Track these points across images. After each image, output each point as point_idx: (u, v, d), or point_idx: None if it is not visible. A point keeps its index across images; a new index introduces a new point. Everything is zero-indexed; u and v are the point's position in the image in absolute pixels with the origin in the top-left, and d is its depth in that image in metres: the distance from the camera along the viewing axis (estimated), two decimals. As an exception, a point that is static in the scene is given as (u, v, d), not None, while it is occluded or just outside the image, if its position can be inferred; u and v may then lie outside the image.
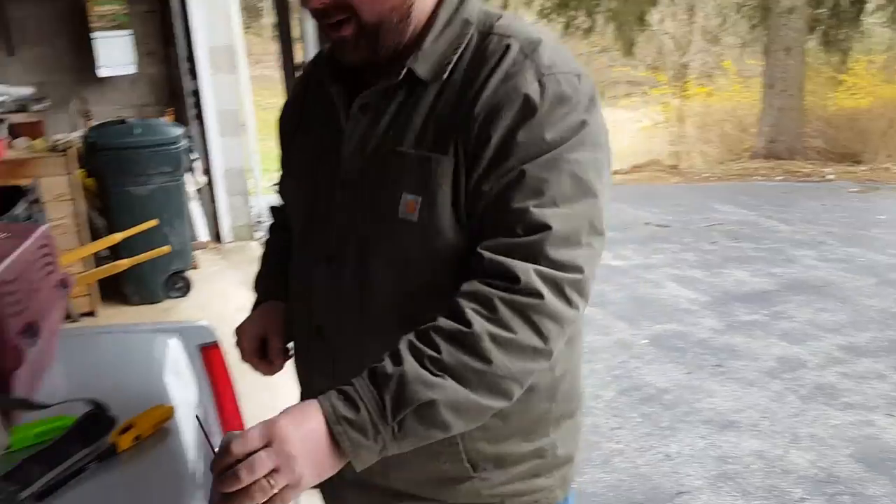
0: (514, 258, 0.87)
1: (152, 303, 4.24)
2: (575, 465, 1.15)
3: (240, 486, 0.78)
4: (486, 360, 0.85)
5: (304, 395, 1.17)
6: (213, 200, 5.38)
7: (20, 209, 2.80)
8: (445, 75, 0.95)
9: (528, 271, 0.86)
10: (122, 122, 4.04)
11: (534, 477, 1.08)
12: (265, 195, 6.41)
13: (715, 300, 4.71)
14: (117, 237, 3.67)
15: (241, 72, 5.51)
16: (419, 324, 0.89)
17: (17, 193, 2.99)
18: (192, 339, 1.72)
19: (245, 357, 1.22)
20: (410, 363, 0.84)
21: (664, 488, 2.77)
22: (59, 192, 3.79)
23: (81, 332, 1.64)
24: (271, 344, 1.20)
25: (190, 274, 4.45)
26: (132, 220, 3.86)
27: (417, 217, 0.94)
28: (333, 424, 0.82)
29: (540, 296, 0.86)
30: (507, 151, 0.90)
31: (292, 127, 1.17)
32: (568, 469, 1.13)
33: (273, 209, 1.36)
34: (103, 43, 4.76)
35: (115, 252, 3.98)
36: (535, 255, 0.87)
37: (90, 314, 4.00)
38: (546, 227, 0.88)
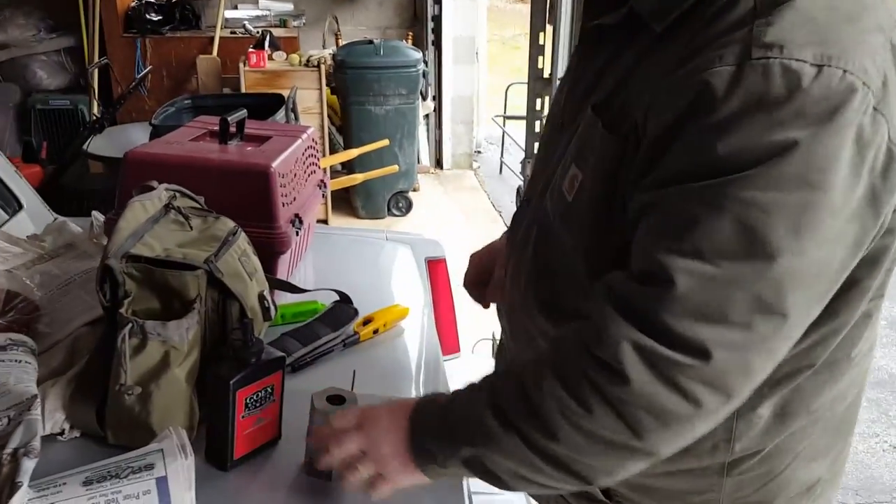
0: (615, 310, 0.66)
1: (376, 218, 4.51)
2: None
3: (329, 460, 0.81)
4: (553, 436, 0.68)
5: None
6: (438, 126, 5.55)
7: (280, 115, 3.08)
8: (668, 24, 0.71)
9: (619, 342, 0.65)
10: (370, 42, 4.25)
11: None
12: (486, 126, 6.52)
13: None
14: (354, 152, 3.92)
15: (480, -1, 5.55)
16: (558, 313, 0.81)
17: (277, 101, 3.29)
18: (422, 251, 1.82)
19: (464, 282, 1.18)
20: (481, 403, 0.73)
21: (883, 480, 2.54)
22: (309, 105, 4.10)
23: (327, 230, 1.79)
24: (493, 277, 1.12)
25: (411, 195, 4.67)
26: (368, 138, 4.11)
27: (573, 197, 0.77)
28: (413, 433, 0.77)
29: (624, 380, 0.64)
30: (660, 156, 0.66)
31: None
32: None
33: None
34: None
35: (348, 167, 4.26)
36: (644, 316, 0.65)
37: (323, 221, 4.34)
38: (668, 283, 0.63)
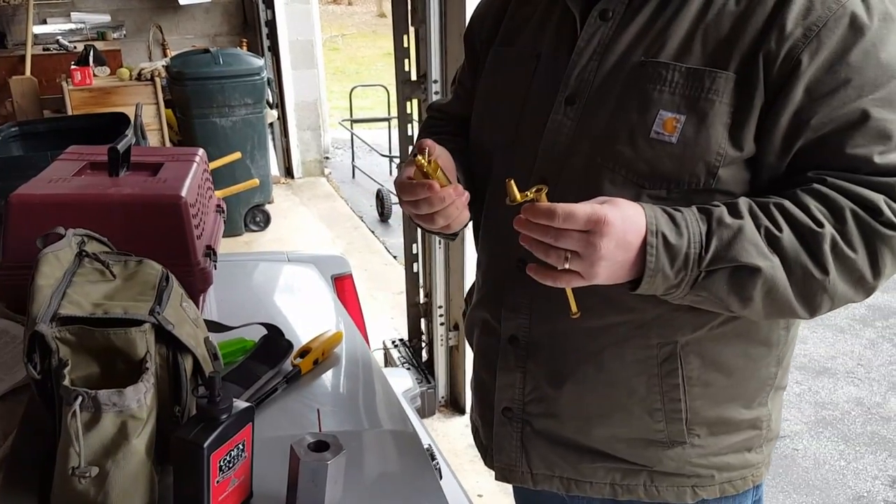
0: (864, 187, 0.81)
1: (234, 235, 4.29)
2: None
3: (541, 243, 0.78)
4: (822, 267, 0.80)
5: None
6: (284, 134, 5.37)
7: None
8: None
9: (879, 200, 0.80)
10: (206, 50, 4.01)
11: (746, 451, 0.99)
12: (333, 129, 6.40)
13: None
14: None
15: (313, 1, 5.42)
16: None
17: (117, 121, 3.01)
18: (327, 268, 1.74)
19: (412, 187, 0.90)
20: (750, 223, 0.80)
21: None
22: (147, 121, 3.81)
23: (224, 258, 1.66)
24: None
25: (268, 208, 4.48)
26: (217, 152, 3.83)
27: (677, 137, 0.83)
28: (650, 235, 0.78)
29: (893, 227, 0.80)
30: (838, 80, 0.81)
31: (487, 40, 1.07)
32: (773, 446, 1.04)
33: (430, 124, 1.19)
34: (184, -30, 4.71)
35: (198, 183, 4.02)
36: (885, 192, 0.81)
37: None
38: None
